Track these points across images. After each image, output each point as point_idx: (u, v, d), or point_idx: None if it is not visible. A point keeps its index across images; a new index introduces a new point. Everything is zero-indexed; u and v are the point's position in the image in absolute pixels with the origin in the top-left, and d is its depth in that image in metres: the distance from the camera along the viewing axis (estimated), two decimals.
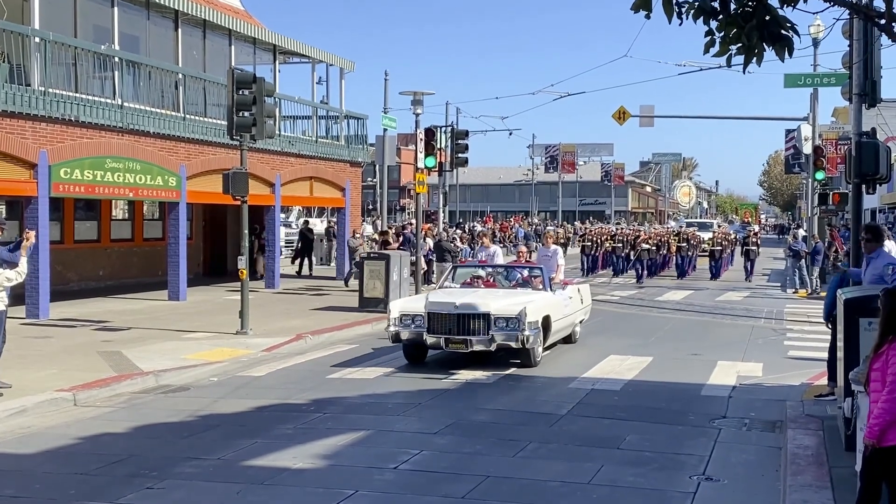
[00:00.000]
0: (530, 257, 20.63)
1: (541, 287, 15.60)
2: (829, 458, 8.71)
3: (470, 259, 27.71)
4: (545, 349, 15.06)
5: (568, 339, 16.81)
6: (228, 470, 8.67)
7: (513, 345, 13.82)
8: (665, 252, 36.08)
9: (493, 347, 13.85)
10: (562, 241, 39.69)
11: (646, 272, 33.67)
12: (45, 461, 8.99)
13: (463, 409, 11.41)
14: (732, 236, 41.47)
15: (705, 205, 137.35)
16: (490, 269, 16.88)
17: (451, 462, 9.02)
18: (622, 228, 42.10)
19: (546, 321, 14.63)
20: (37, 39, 18.79)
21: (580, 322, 17.47)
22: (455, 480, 8.35)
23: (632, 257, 34.06)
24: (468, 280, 16.43)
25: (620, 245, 35.50)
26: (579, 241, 38.54)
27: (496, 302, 14.17)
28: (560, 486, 8.19)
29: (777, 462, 9.10)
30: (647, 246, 33.90)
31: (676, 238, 36.24)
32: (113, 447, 9.45)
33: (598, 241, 36.49)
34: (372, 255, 22.74)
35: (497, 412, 11.41)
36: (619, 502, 7.82)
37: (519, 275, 16.44)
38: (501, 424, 10.72)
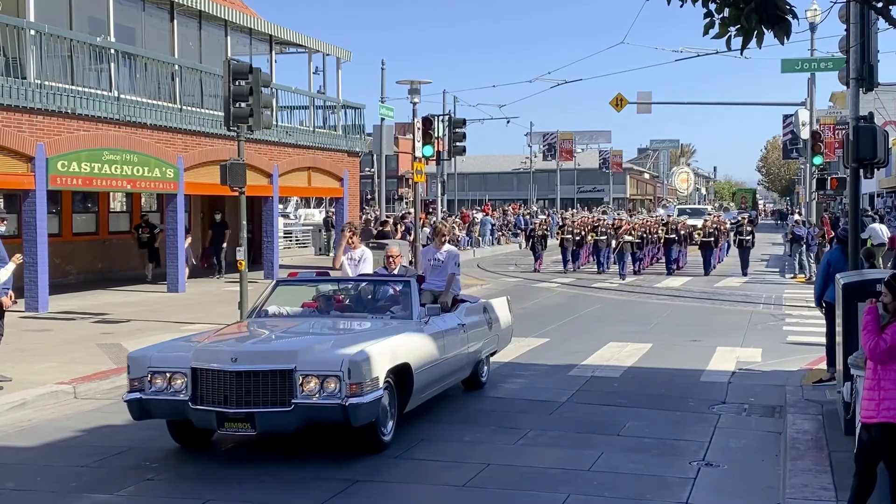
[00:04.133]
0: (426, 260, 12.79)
1: (407, 314, 10.13)
2: (829, 442, 8.74)
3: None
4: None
5: (471, 383, 11.65)
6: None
7: (335, 418, 8.25)
8: (652, 245, 32.55)
9: (298, 426, 8.34)
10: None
11: (630, 268, 29.80)
12: (45, 454, 8.99)
13: (462, 398, 11.42)
14: (727, 225, 36.36)
15: (703, 191, 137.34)
16: (339, 286, 11.41)
17: (451, 450, 9.04)
18: (604, 218, 36.69)
19: (404, 374, 9.10)
20: (32, 32, 18.73)
21: (490, 355, 12.23)
22: (456, 468, 8.37)
23: (613, 248, 30.52)
24: (313, 301, 11.07)
25: (604, 238, 31.18)
26: (559, 231, 33.37)
27: (310, 346, 8.75)
28: (561, 473, 8.21)
29: (777, 447, 9.12)
30: (631, 238, 29.60)
31: (664, 228, 31.98)
32: (113, 439, 9.45)
33: (582, 231, 32.44)
34: (370, 244, 22.72)
35: (497, 400, 11.43)
36: (619, 488, 7.83)
37: (380, 293, 11.02)
38: (502, 412, 10.74)
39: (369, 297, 11.00)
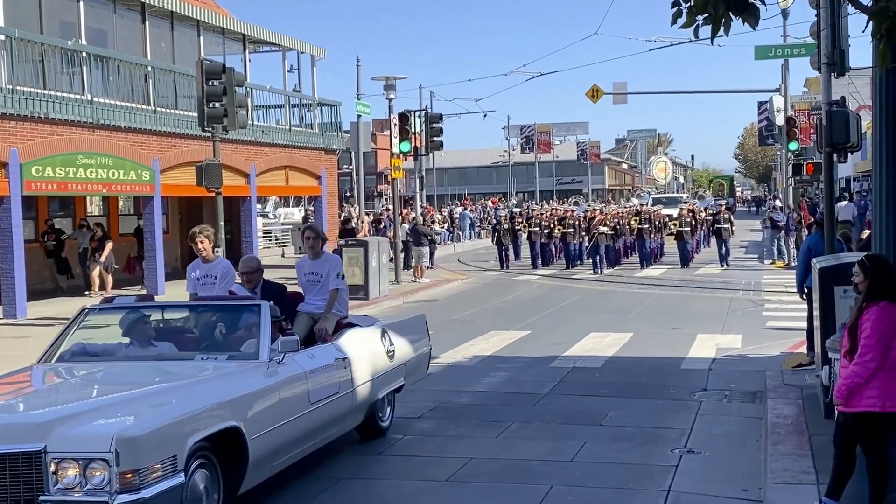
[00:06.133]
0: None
1: (252, 353, 7.50)
2: (809, 426, 8.79)
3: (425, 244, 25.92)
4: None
5: (365, 431, 9.18)
6: None
7: None
8: (625, 236, 30.63)
9: None
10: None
11: (604, 262, 28.16)
12: None
13: (445, 393, 11.42)
14: (703, 213, 34.29)
15: (682, 180, 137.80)
16: (164, 315, 8.47)
17: (434, 445, 9.05)
18: (573, 210, 34.20)
19: (232, 442, 6.59)
20: (2, 37, 18.57)
21: (397, 391, 9.70)
22: (438, 463, 8.37)
23: (587, 243, 28.76)
24: (139, 331, 8.02)
25: (572, 231, 29.39)
26: (525, 225, 30.98)
27: (73, 414, 6.15)
28: (543, 465, 8.23)
29: (758, 432, 9.18)
30: (605, 229, 27.87)
31: (637, 219, 30.56)
32: None
33: (550, 224, 30.36)
34: (350, 241, 22.70)
35: (479, 394, 11.45)
36: (602, 478, 7.86)
37: (220, 324, 8.16)
38: (484, 406, 10.76)
39: (206, 329, 8.13)
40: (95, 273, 21.79)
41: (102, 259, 21.73)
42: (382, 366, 9.18)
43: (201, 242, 9.51)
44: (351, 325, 9.20)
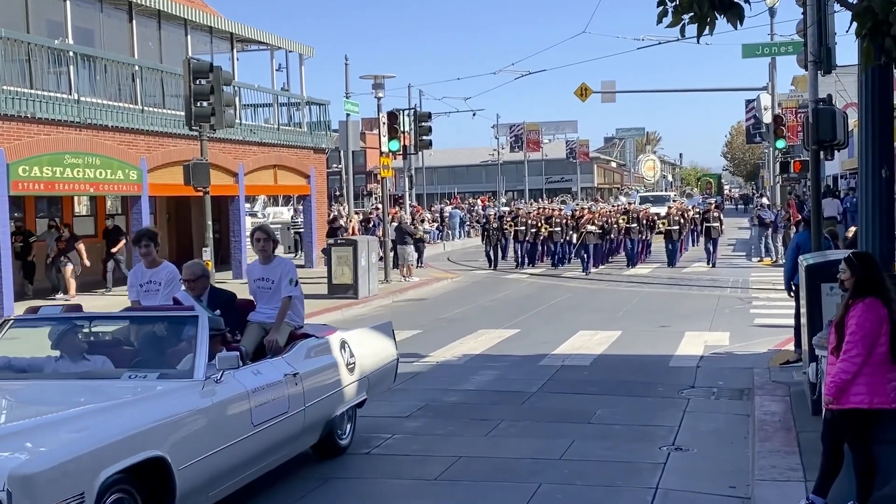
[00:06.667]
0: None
1: (186, 370, 6.76)
2: (797, 423, 8.82)
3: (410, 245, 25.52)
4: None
5: (323, 449, 8.42)
6: None
7: None
8: (614, 235, 30.06)
9: None
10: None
11: (591, 260, 27.46)
12: None
13: (434, 391, 11.42)
14: (691, 212, 33.51)
15: (670, 178, 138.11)
16: (90, 326, 7.65)
17: (423, 444, 9.04)
18: (560, 209, 33.67)
19: (156, 473, 5.93)
20: None
21: (359, 405, 8.98)
22: (427, 462, 8.37)
23: (575, 242, 28.22)
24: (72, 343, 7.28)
25: (559, 229, 29.07)
26: (511, 224, 30.45)
27: None
28: (532, 464, 8.24)
29: (745, 429, 9.20)
30: (593, 228, 27.44)
31: (625, 217, 30.22)
32: None
33: (537, 224, 29.72)
34: (339, 241, 22.69)
35: (468, 392, 11.45)
36: (590, 476, 7.87)
37: (154, 337, 7.45)
38: (473, 404, 10.76)
39: (141, 342, 7.45)
40: (69, 274, 21.14)
41: (85, 262, 21.36)
42: (341, 379, 8.49)
43: (146, 246, 8.76)
44: (306, 336, 8.42)
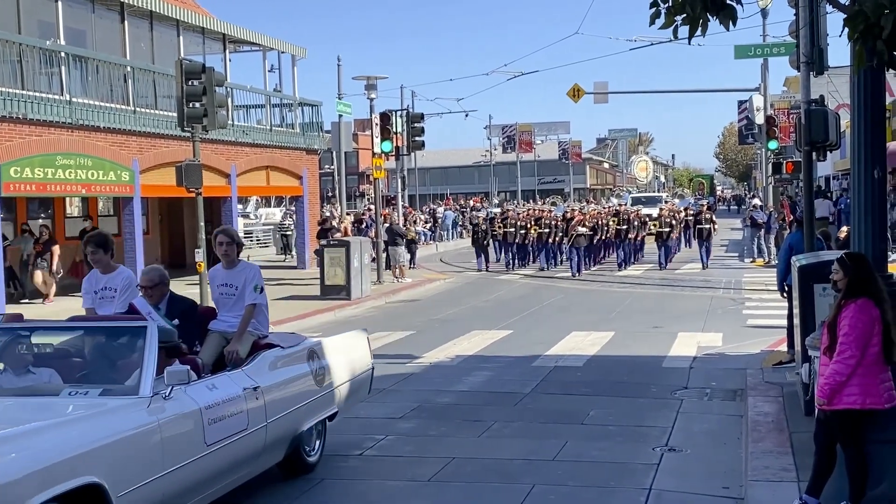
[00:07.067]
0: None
1: (131, 386, 6.23)
2: (790, 423, 8.83)
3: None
4: None
5: (289, 467, 7.96)
6: None
7: None
8: (604, 236, 29.42)
9: None
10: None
11: (582, 263, 27.10)
12: None
13: (427, 393, 11.41)
14: (682, 213, 32.77)
15: (662, 179, 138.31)
16: (30, 337, 6.97)
17: (416, 446, 9.04)
18: (551, 210, 33.02)
19: (89, 499, 5.41)
20: None
21: (330, 418, 8.50)
22: (421, 463, 8.36)
23: (565, 244, 27.69)
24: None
25: (548, 231, 28.58)
26: (500, 225, 29.94)
27: None
28: (525, 464, 8.24)
29: (738, 430, 9.21)
30: (583, 230, 26.89)
31: (615, 219, 29.71)
32: None
33: (526, 225, 29.17)
34: (332, 242, 22.67)
35: (461, 393, 11.44)
36: (584, 476, 7.87)
37: (102, 349, 6.90)
38: (466, 405, 10.76)
39: (89, 355, 6.87)
40: (39, 279, 20.66)
41: (54, 266, 20.80)
42: (308, 392, 7.98)
43: (93, 253, 8.09)
44: (270, 346, 7.85)
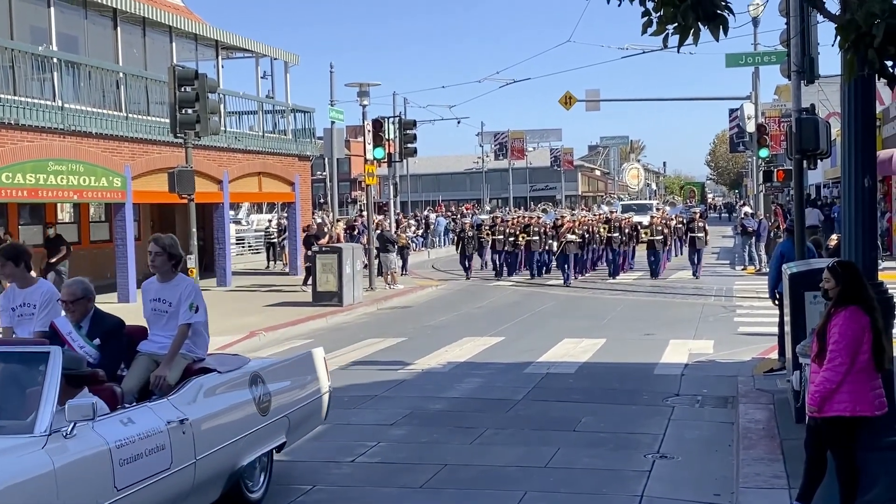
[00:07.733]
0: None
1: (25, 423, 5.35)
2: (781, 430, 8.86)
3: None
4: None
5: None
6: None
7: None
8: (595, 244, 29.03)
9: None
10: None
11: (572, 271, 26.72)
12: None
13: (419, 399, 11.41)
14: (674, 221, 31.68)
15: (654, 186, 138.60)
16: None
17: (408, 452, 9.03)
18: (540, 217, 32.19)
19: None
20: None
21: (278, 449, 7.73)
22: (413, 470, 8.37)
23: (555, 251, 27.19)
24: None
25: (537, 238, 27.97)
26: (488, 233, 29.59)
27: None
28: (517, 471, 8.25)
29: (730, 437, 9.24)
30: (573, 237, 26.51)
31: (606, 226, 29.22)
32: None
33: (515, 232, 28.51)
34: (324, 248, 22.66)
35: (453, 400, 11.44)
36: (575, 483, 7.89)
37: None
38: (458, 412, 10.76)
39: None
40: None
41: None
42: (250, 422, 7.12)
43: (2, 266, 7.23)
44: (206, 371, 6.99)
